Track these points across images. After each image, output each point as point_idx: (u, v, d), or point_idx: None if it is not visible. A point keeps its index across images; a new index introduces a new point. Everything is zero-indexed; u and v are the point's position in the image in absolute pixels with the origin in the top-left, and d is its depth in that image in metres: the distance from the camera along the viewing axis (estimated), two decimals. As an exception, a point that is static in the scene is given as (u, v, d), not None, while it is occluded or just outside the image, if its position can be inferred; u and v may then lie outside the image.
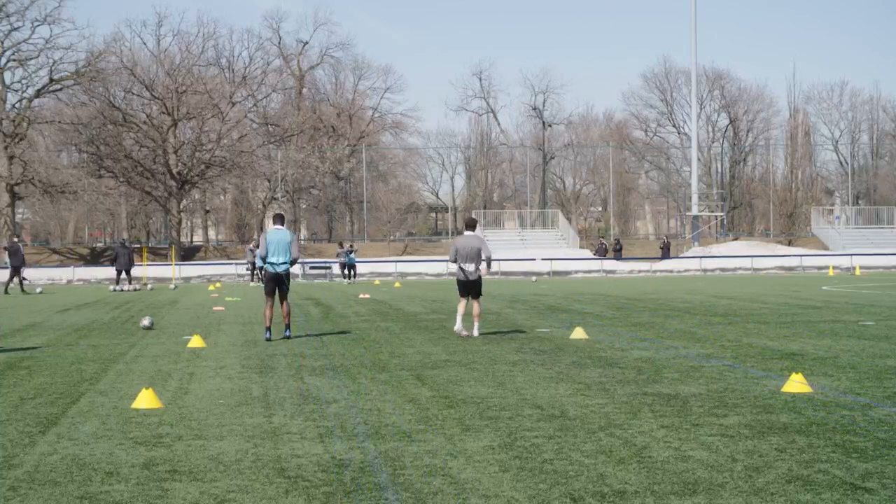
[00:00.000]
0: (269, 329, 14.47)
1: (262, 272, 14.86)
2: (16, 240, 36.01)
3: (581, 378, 9.83)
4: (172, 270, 45.07)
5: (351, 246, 47.02)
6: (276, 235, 14.42)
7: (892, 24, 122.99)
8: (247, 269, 46.32)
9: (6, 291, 33.47)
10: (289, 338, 14.53)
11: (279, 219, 14.85)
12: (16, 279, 34.04)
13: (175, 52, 66.37)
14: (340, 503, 5.25)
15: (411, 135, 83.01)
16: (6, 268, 35.52)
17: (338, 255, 45.97)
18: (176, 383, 9.86)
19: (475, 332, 14.53)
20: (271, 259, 14.37)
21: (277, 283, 14.54)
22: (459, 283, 14.87)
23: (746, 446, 6.45)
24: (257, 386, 9.60)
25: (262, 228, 65.55)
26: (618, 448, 6.44)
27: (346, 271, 44.25)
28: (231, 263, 50.00)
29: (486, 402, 8.41)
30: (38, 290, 36.14)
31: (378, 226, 71.28)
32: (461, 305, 14.87)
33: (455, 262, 14.83)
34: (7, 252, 35.21)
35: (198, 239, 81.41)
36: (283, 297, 14.63)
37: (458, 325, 14.76)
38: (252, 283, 43.10)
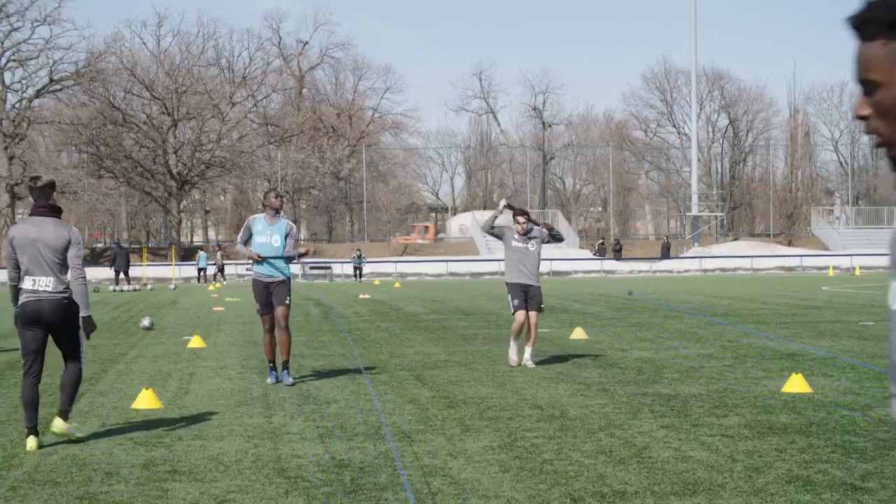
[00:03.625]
0: (271, 364, 9.95)
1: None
2: (117, 242, 37.50)
3: (581, 378, 9.82)
4: (172, 271, 45.05)
5: (359, 250, 50.66)
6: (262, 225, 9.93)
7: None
8: (247, 270, 46.44)
9: (121, 290, 35.03)
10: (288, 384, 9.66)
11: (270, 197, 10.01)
12: (121, 279, 36.49)
13: (175, 53, 66.36)
14: (340, 503, 5.24)
15: (411, 135, 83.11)
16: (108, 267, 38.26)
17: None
18: (176, 383, 9.86)
19: (530, 362, 10.85)
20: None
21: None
22: (515, 287, 10.93)
23: (746, 446, 6.44)
24: (257, 386, 9.59)
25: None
26: (618, 448, 6.44)
27: (355, 272, 48.16)
28: (231, 263, 49.95)
29: (486, 402, 8.40)
30: (172, 286, 39.00)
31: (378, 226, 71.24)
32: (519, 322, 10.93)
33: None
34: (113, 255, 37.83)
35: (198, 239, 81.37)
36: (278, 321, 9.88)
37: (514, 353, 10.97)
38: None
